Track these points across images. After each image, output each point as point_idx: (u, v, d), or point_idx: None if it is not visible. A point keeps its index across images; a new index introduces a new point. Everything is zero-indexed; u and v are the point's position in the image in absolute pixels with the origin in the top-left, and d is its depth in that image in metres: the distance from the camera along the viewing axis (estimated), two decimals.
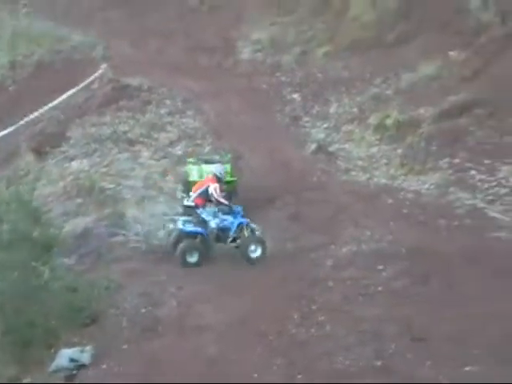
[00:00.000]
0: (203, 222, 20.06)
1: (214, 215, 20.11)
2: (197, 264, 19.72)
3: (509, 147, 22.47)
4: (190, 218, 20.14)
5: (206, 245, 20.05)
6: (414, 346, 15.14)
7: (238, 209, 20.41)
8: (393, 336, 15.46)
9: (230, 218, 20.26)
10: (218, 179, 20.47)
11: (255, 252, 19.80)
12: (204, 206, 20.15)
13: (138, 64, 31.65)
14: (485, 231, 19.66)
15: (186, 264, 19.68)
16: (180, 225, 20.13)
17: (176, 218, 20.52)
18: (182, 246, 19.86)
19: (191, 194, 20.46)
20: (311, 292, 17.62)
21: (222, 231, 20.14)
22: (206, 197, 20.17)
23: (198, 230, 19.98)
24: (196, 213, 20.13)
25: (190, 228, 20.03)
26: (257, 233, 20.51)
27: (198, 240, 20.00)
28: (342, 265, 18.84)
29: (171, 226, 20.76)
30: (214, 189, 20.05)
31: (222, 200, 20.17)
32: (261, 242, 19.95)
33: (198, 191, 20.28)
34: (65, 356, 16.11)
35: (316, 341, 15.60)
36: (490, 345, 14.85)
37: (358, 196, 22.52)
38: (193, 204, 20.26)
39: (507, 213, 20.33)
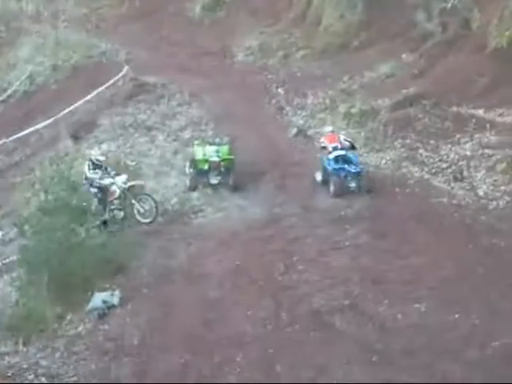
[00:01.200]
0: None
1: None
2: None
3: (449, 130, 22.57)
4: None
5: None
6: None
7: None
8: None
9: None
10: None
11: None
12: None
13: (154, 66, 31.60)
14: (430, 197, 19.77)
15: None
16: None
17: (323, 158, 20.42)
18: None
19: (325, 143, 20.63)
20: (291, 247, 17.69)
21: None
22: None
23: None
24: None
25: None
26: None
27: None
28: (316, 225, 18.81)
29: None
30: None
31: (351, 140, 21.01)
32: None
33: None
34: (98, 298, 16.35)
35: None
36: None
37: None
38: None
39: (447, 182, 20.44)
